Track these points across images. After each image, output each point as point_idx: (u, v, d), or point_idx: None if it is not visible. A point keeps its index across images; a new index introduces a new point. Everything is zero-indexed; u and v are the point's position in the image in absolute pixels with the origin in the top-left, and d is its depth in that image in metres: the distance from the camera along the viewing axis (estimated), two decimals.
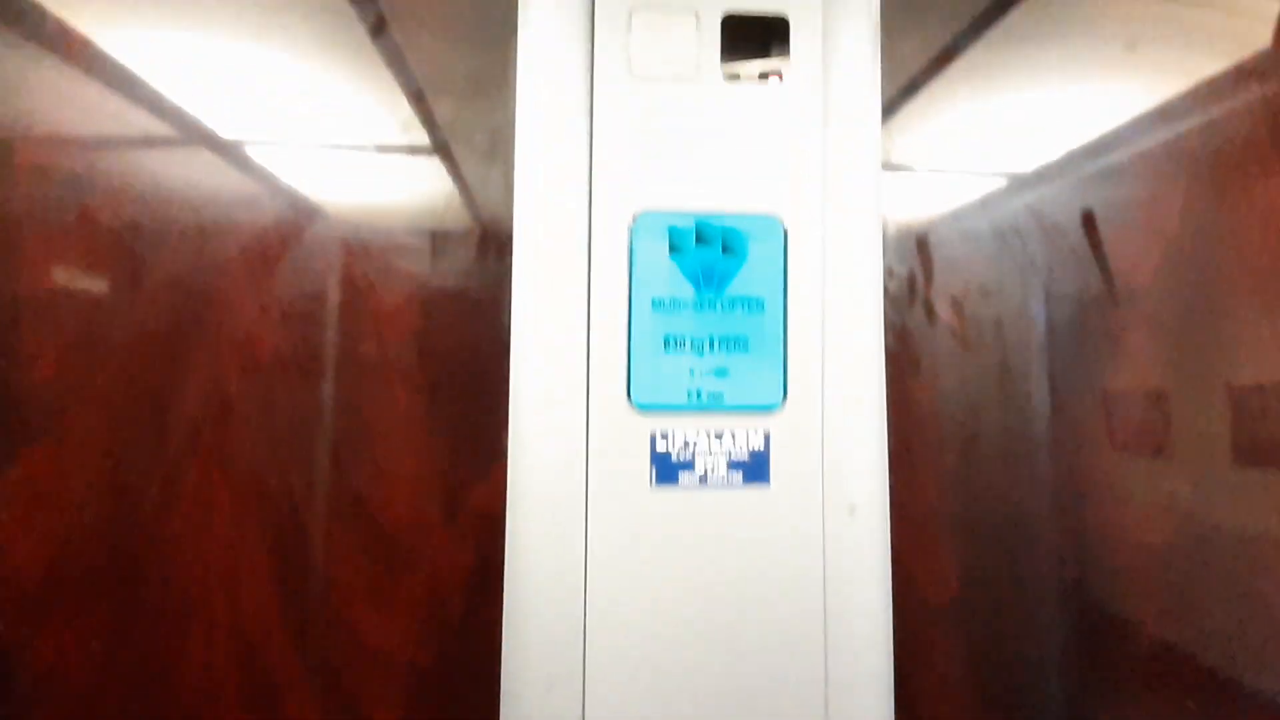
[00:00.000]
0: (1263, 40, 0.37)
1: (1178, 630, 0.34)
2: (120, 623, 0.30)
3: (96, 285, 0.31)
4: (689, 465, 0.30)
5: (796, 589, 0.30)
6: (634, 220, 0.30)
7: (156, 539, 0.30)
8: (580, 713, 0.29)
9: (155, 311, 0.30)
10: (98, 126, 0.32)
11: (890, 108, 0.38)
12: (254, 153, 0.33)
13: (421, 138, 0.34)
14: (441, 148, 0.34)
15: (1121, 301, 0.35)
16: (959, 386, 0.35)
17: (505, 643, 0.29)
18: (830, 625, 0.30)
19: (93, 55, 0.32)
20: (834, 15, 0.32)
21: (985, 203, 0.37)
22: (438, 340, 0.32)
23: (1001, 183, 0.37)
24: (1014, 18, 0.38)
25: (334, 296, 0.31)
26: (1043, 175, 0.37)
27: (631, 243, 0.30)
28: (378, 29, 0.32)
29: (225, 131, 0.32)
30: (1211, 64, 0.37)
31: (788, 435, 0.30)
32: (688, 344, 0.30)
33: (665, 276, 0.30)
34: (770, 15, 0.31)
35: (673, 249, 0.30)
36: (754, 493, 0.30)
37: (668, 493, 0.30)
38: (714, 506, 0.30)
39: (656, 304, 0.30)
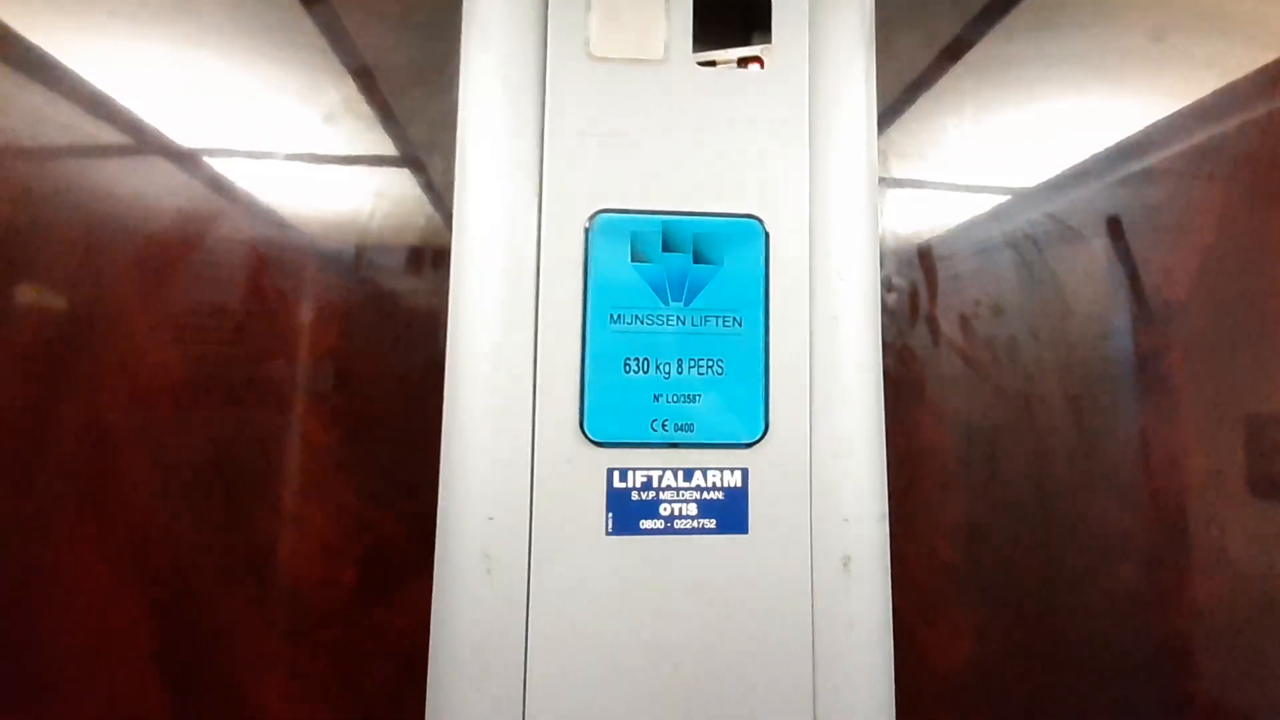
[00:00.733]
0: None
1: (1237, 698, 0.29)
2: None
3: None
4: (652, 509, 0.26)
5: (781, 657, 0.26)
6: (591, 222, 0.26)
7: (18, 598, 0.26)
8: None
9: (28, 328, 0.26)
10: None
11: (890, 103, 0.34)
12: (150, 148, 0.29)
13: (349, 130, 0.30)
14: (371, 139, 0.30)
15: (1156, 319, 0.31)
16: (969, 418, 0.31)
17: None
18: (821, 699, 0.26)
19: None
20: None
21: (998, 209, 0.33)
22: (360, 363, 0.28)
23: (1016, 188, 0.33)
24: (1026, 6, 0.34)
25: (238, 311, 0.27)
26: (1062, 180, 0.33)
27: (587, 248, 0.26)
28: (309, 2, 0.29)
29: (117, 125, 0.29)
30: (1250, 56, 0.34)
31: (769, 474, 0.26)
32: (652, 365, 0.26)
33: (627, 287, 0.26)
34: None
35: (635, 255, 0.26)
36: (730, 542, 0.26)
37: (626, 542, 0.25)
38: (681, 559, 0.26)
39: (616, 319, 0.26)
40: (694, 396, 0.26)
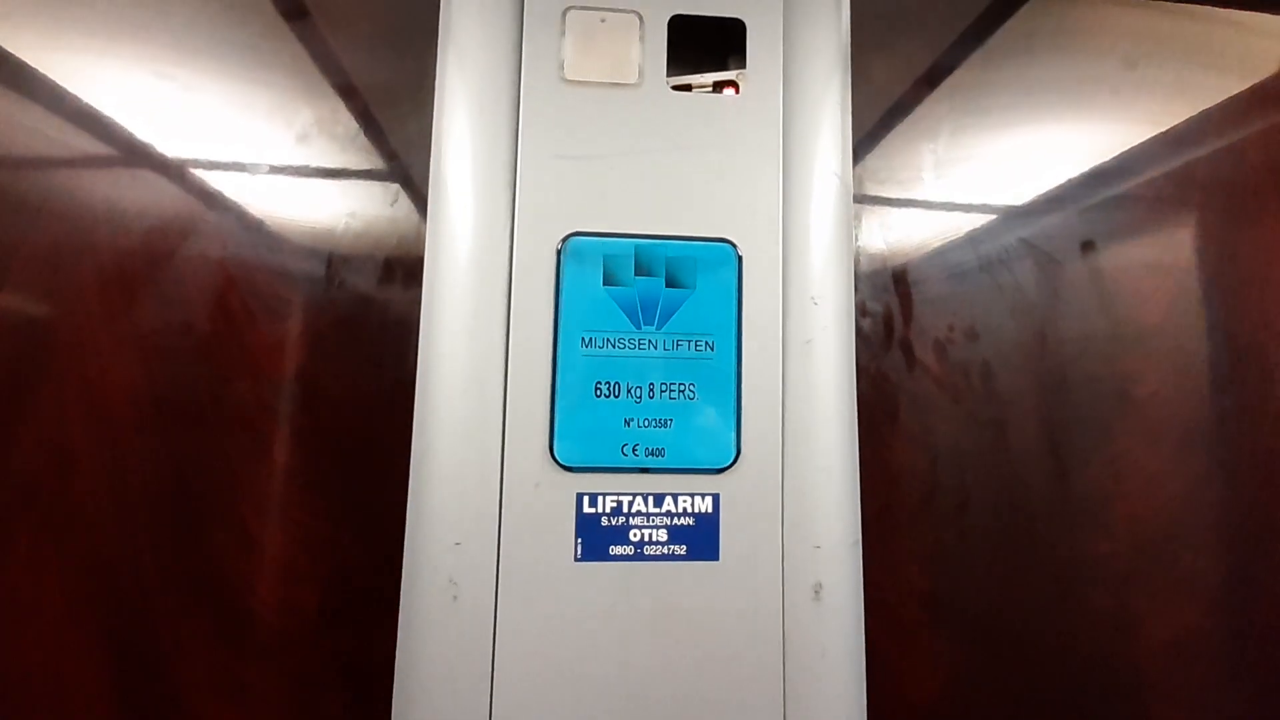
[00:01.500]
0: (1274, 62, 0.35)
1: None
2: None
3: None
4: (622, 535, 0.26)
5: (752, 685, 0.25)
6: (563, 244, 0.26)
7: None
8: None
9: None
10: None
11: (867, 129, 0.34)
12: (120, 163, 0.29)
13: (322, 147, 0.30)
14: (344, 159, 0.30)
15: (1130, 343, 0.31)
16: (943, 443, 0.31)
17: None
18: None
19: None
20: (797, 20, 0.29)
21: (972, 234, 0.33)
22: (328, 384, 0.28)
23: (991, 213, 0.34)
24: (1001, 34, 0.35)
25: (205, 330, 0.27)
26: (1037, 205, 0.33)
27: (559, 270, 0.26)
28: (289, 18, 0.29)
29: (91, 139, 0.29)
30: (1221, 84, 0.34)
31: (741, 500, 0.26)
32: (623, 389, 0.26)
33: (598, 310, 0.26)
34: (724, 18, 0.28)
35: (607, 279, 0.27)
36: (700, 569, 0.26)
37: (595, 569, 0.25)
38: (651, 586, 0.25)
39: (588, 342, 0.26)
40: (665, 421, 0.26)
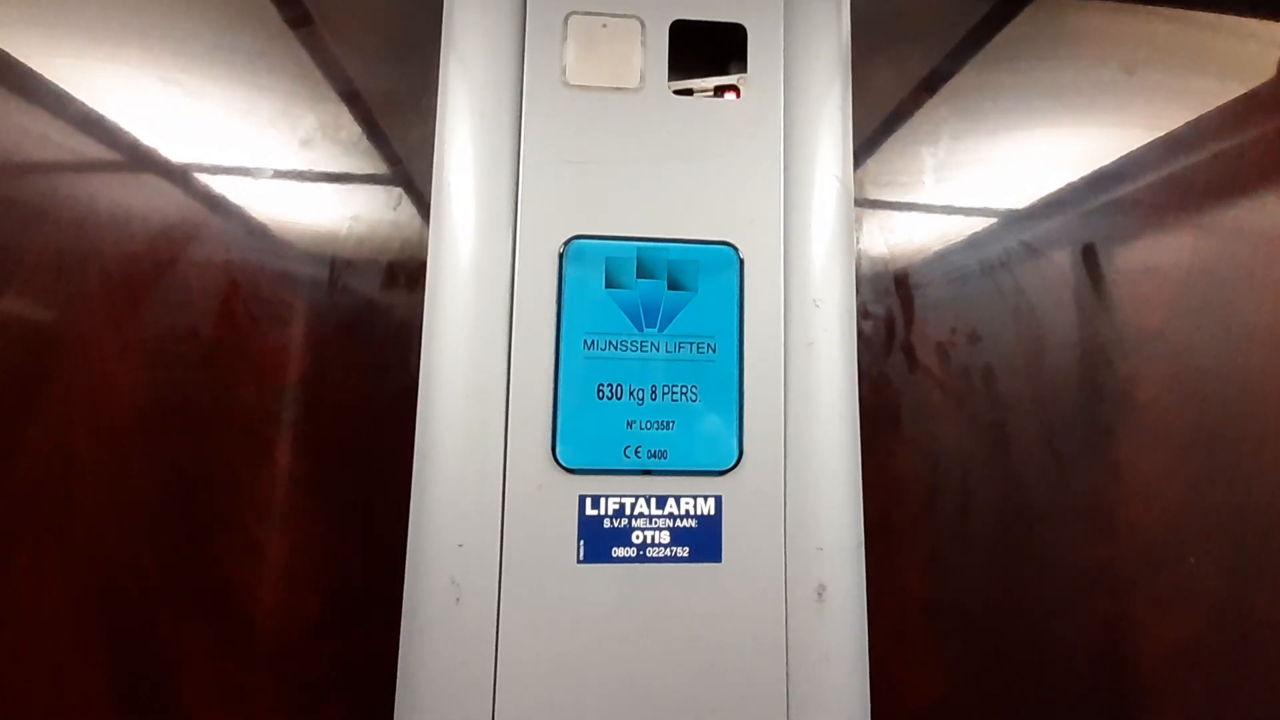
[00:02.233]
0: (1272, 67, 0.35)
1: None
2: None
3: None
4: (624, 537, 0.26)
5: (754, 689, 0.26)
6: (565, 248, 0.27)
7: None
8: None
9: None
10: None
11: (868, 135, 0.35)
12: (125, 166, 0.29)
13: (326, 152, 0.30)
14: (347, 164, 0.30)
15: (1131, 347, 0.32)
16: (944, 447, 0.31)
17: None
18: None
19: None
20: (797, 26, 0.29)
21: (974, 237, 0.34)
22: (330, 388, 0.28)
23: (992, 217, 0.34)
24: (1001, 39, 0.35)
25: (209, 336, 0.27)
26: (1037, 209, 0.34)
27: (562, 273, 0.27)
28: (293, 25, 0.29)
29: (93, 143, 0.29)
30: (1220, 89, 0.35)
31: (743, 502, 0.26)
32: (625, 391, 0.26)
33: (600, 313, 0.27)
34: (725, 23, 0.29)
35: (610, 281, 0.27)
36: (702, 571, 0.26)
37: (598, 570, 0.25)
38: (653, 587, 0.26)
39: (590, 345, 0.26)
40: (667, 423, 0.27)
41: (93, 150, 0.30)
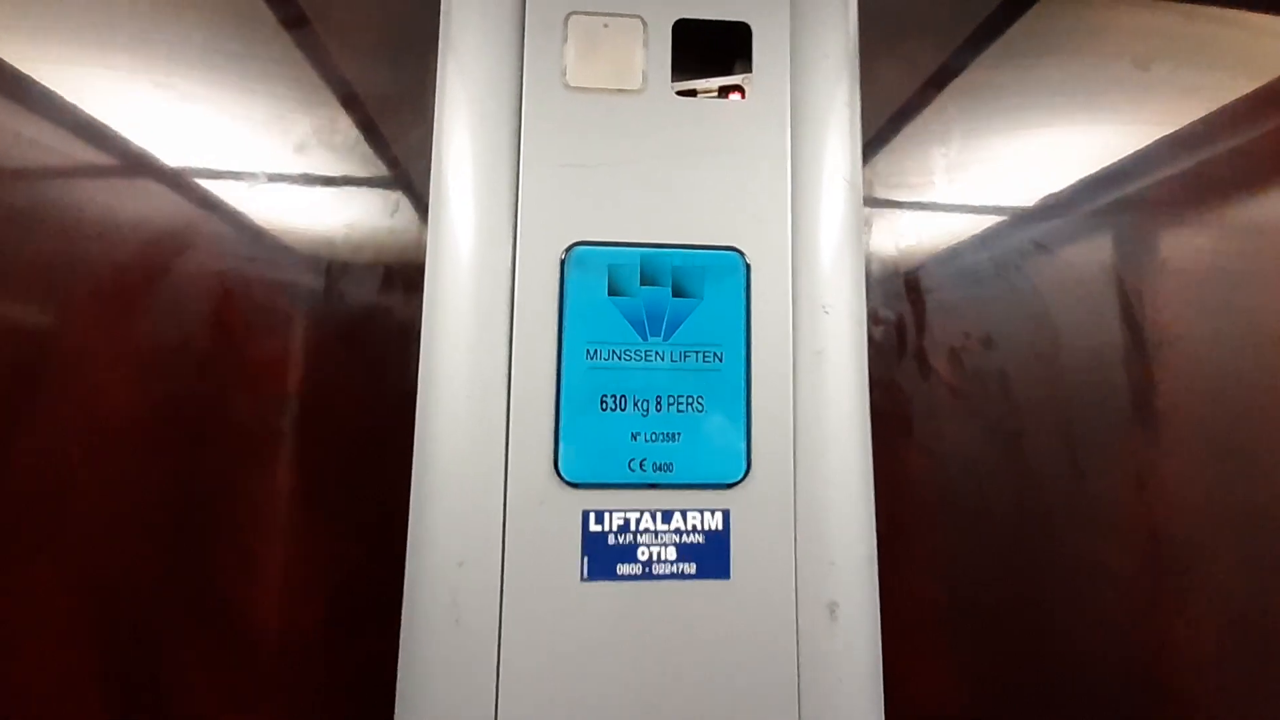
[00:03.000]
0: None
1: None
2: None
3: None
4: (629, 553, 0.25)
5: (764, 709, 0.25)
6: (566, 254, 0.26)
7: None
8: None
9: None
10: None
11: (875, 132, 0.34)
12: (117, 171, 0.29)
13: (321, 157, 0.30)
14: (343, 169, 0.30)
15: (1149, 349, 0.31)
16: (960, 455, 0.31)
17: None
18: None
19: None
20: (804, 23, 0.29)
21: (986, 238, 0.33)
22: (328, 398, 0.28)
23: (1004, 216, 0.33)
24: (1010, 35, 0.35)
25: (202, 346, 0.27)
26: (1051, 208, 0.33)
27: (563, 281, 0.26)
28: (288, 26, 0.29)
29: (84, 147, 0.28)
30: (1234, 84, 0.34)
31: (752, 516, 0.26)
32: (629, 403, 0.26)
33: (603, 321, 0.26)
34: (730, 21, 0.28)
35: (613, 289, 0.26)
36: (711, 587, 0.25)
37: (603, 588, 0.25)
38: (660, 605, 0.25)
39: (593, 354, 0.26)
40: (673, 435, 0.26)
41: (84, 155, 0.29)
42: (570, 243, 0.26)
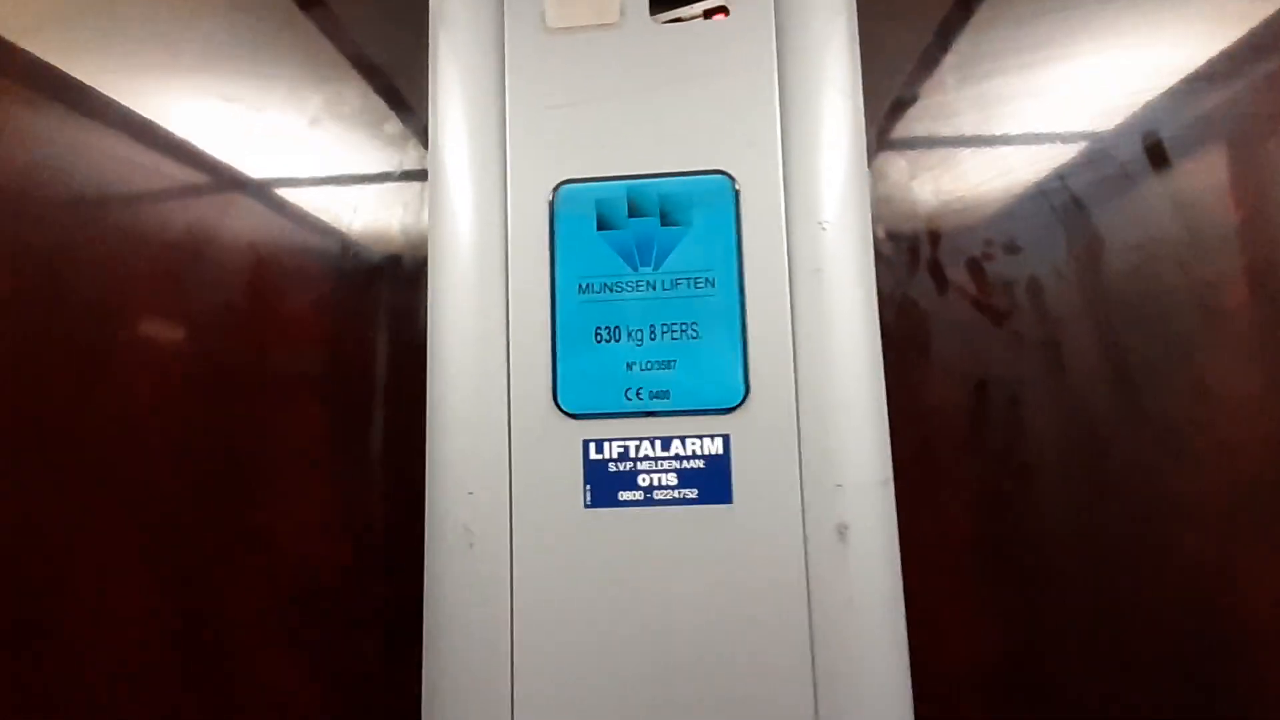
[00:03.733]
0: None
1: None
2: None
3: None
4: (630, 480, 0.26)
5: (775, 634, 0.25)
6: (554, 194, 0.27)
7: (51, 583, 0.30)
8: None
9: (68, 327, 0.31)
10: None
11: (875, 38, 0.32)
12: (164, 164, 0.33)
13: (331, 128, 0.32)
14: (353, 138, 0.32)
15: (1210, 246, 0.27)
16: (986, 371, 0.28)
17: (425, 694, 0.26)
18: (822, 682, 0.24)
19: None
20: None
21: (1008, 136, 0.30)
22: (350, 348, 0.30)
23: (1030, 110, 0.30)
24: None
25: (241, 305, 0.30)
26: (1086, 98, 0.29)
27: (553, 220, 0.27)
28: (304, 5, 0.32)
29: (144, 147, 0.33)
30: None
31: (752, 440, 0.26)
32: (623, 333, 0.26)
33: (593, 255, 0.27)
34: None
35: (601, 223, 0.27)
36: (713, 512, 0.25)
37: (605, 515, 0.26)
38: (663, 531, 0.25)
39: (585, 289, 0.27)
40: (668, 363, 0.26)
41: (136, 156, 0.34)
42: (558, 182, 0.27)
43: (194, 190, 0.31)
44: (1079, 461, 0.27)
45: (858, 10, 0.28)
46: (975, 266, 0.28)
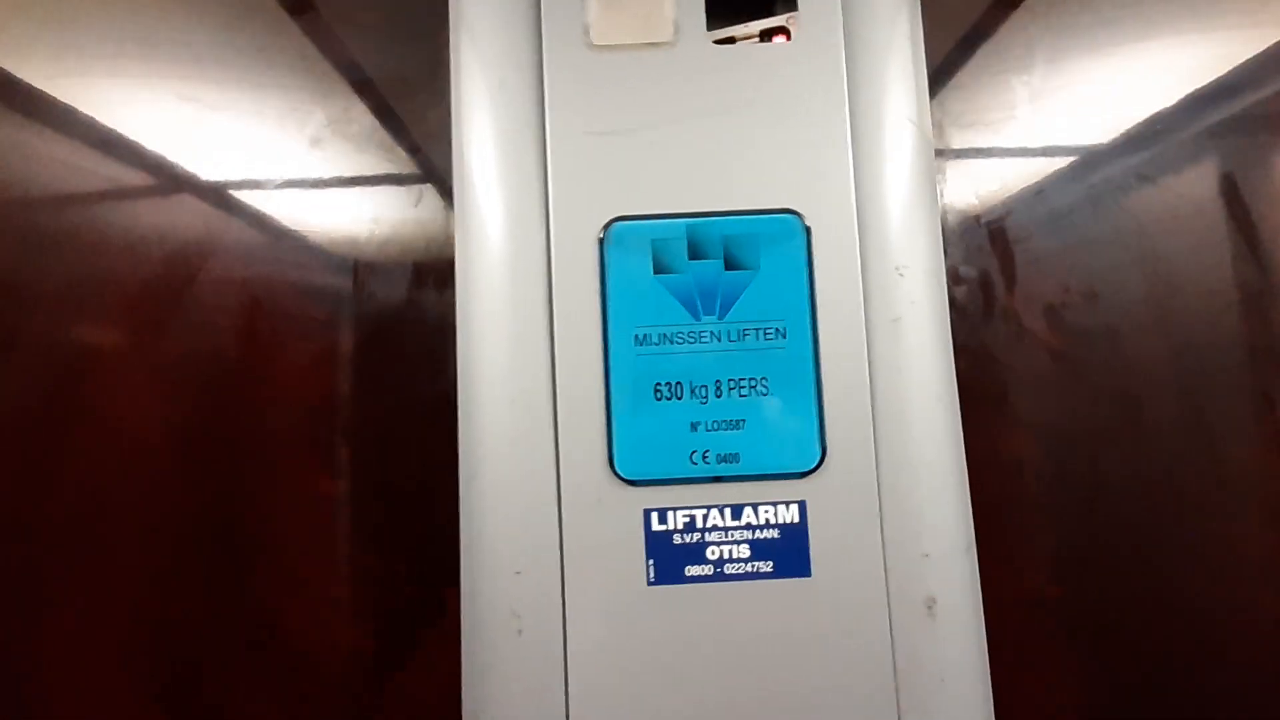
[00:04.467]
0: None
1: None
2: None
3: None
4: (698, 553, 0.23)
5: (861, 716, 0.23)
6: (605, 232, 0.24)
7: (11, 688, 0.25)
8: None
9: (21, 384, 0.26)
10: None
11: (941, 64, 0.31)
12: (141, 186, 0.28)
13: (338, 150, 0.29)
14: (361, 161, 0.29)
15: None
16: (1064, 424, 0.27)
17: None
18: None
19: None
20: None
21: (1082, 176, 0.29)
22: (365, 405, 0.27)
23: (1102, 148, 0.29)
24: None
25: (231, 355, 0.26)
26: (1157, 134, 0.29)
27: (603, 261, 0.24)
28: (293, 12, 0.28)
29: (111, 164, 0.28)
30: None
31: (831, 506, 0.24)
32: (686, 390, 0.24)
33: (651, 302, 0.24)
34: None
35: (658, 266, 0.24)
36: (790, 587, 0.23)
37: (671, 593, 0.23)
38: (736, 609, 0.23)
39: (642, 339, 0.24)
40: (737, 422, 0.24)
41: (107, 171, 0.29)
42: (608, 219, 0.24)
43: (172, 218, 0.27)
44: (1157, 520, 0.26)
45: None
46: (1053, 313, 0.27)
